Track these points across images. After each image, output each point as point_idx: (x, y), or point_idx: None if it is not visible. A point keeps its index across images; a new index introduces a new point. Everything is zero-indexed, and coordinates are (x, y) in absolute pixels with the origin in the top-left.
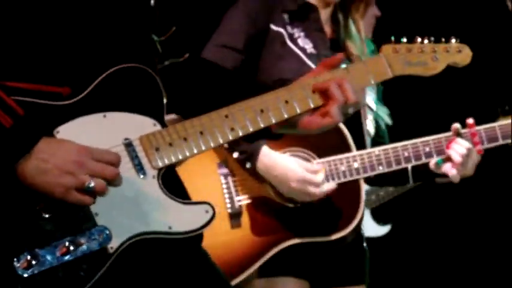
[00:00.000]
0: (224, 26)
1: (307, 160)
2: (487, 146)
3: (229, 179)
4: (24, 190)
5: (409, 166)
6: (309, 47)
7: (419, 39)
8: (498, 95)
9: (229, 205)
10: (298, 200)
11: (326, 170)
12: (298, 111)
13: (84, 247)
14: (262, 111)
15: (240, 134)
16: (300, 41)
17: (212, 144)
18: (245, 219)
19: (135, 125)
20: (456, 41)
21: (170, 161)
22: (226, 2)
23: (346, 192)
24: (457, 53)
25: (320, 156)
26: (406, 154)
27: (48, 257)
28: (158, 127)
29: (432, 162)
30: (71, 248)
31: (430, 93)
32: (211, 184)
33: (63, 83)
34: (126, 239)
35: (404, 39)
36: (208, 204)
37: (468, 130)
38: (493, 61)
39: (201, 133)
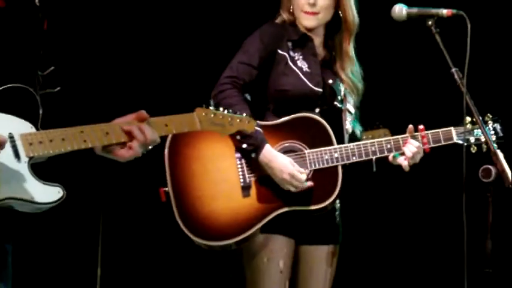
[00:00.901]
0: (244, 49)
1: (301, 150)
2: (432, 145)
3: (243, 161)
4: None
5: (374, 157)
6: (305, 67)
7: (221, 109)
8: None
9: (241, 180)
10: (284, 188)
11: (309, 171)
12: (114, 141)
13: None
14: (107, 133)
15: (89, 145)
16: (299, 62)
17: (69, 148)
18: (253, 191)
19: (18, 126)
20: (247, 116)
21: (38, 153)
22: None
23: (328, 175)
24: (246, 123)
25: (310, 147)
26: (373, 149)
27: None
28: (34, 130)
29: (391, 155)
30: None
31: (395, 106)
32: (229, 164)
33: None
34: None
35: (211, 107)
36: (61, 187)
37: (419, 133)
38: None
39: (63, 140)
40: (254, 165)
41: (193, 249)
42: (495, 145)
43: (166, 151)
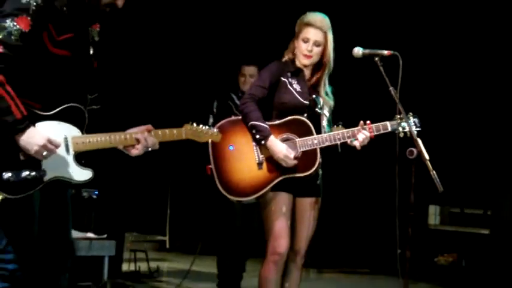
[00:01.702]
0: (261, 75)
1: (293, 139)
2: (375, 133)
3: (257, 147)
4: (17, 146)
5: (339, 142)
6: (298, 88)
7: (201, 126)
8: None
9: (257, 159)
10: (280, 164)
11: (299, 152)
12: (129, 144)
13: (35, 174)
14: (125, 138)
15: (114, 146)
16: (294, 85)
17: (101, 147)
18: (264, 165)
19: (71, 130)
20: (216, 130)
21: (81, 149)
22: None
23: (311, 154)
24: (215, 135)
25: (299, 137)
26: (338, 136)
27: (22, 174)
28: (80, 134)
29: (349, 140)
30: (32, 173)
31: (355, 111)
32: (249, 149)
33: (38, 102)
34: (52, 177)
35: (195, 124)
36: (91, 171)
37: (367, 126)
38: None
39: (97, 141)
40: (264, 149)
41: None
42: (415, 132)
43: (209, 145)
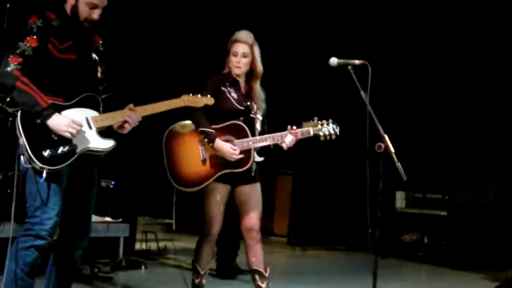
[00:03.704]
0: (205, 88)
1: (232, 140)
2: (300, 137)
3: (202, 147)
4: (48, 128)
5: (272, 144)
6: (235, 96)
7: (197, 94)
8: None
9: (201, 156)
10: (228, 159)
11: (240, 150)
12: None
13: (68, 148)
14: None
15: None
16: (232, 94)
17: (112, 123)
18: (207, 162)
19: (91, 113)
20: (210, 97)
21: (101, 125)
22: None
23: (246, 152)
24: (209, 99)
25: (237, 138)
26: (270, 140)
27: (58, 150)
28: (97, 114)
29: (278, 143)
30: (66, 147)
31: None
32: (195, 149)
33: (61, 96)
34: (82, 149)
35: (191, 94)
36: (113, 140)
37: (293, 131)
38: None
39: (112, 118)
40: (208, 149)
41: None
42: (334, 137)
43: (163, 144)
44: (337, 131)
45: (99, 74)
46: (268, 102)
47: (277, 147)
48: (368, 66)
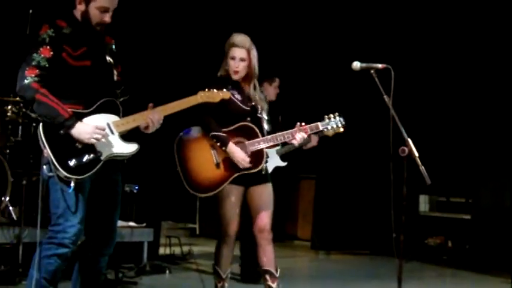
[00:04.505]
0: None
1: (243, 142)
2: (310, 133)
3: (214, 151)
4: (72, 137)
5: (281, 142)
6: (239, 97)
7: (213, 89)
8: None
9: (214, 160)
10: (238, 164)
11: (249, 153)
12: (144, 122)
13: (93, 156)
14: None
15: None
16: (236, 96)
17: (134, 126)
18: (221, 166)
19: (111, 118)
20: (226, 91)
21: (123, 129)
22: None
23: (258, 153)
24: (226, 94)
25: (248, 140)
26: (280, 137)
27: (84, 159)
28: (118, 118)
29: (288, 140)
30: (91, 155)
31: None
32: (208, 154)
33: (80, 104)
34: (107, 155)
35: (207, 89)
36: (137, 144)
37: (303, 127)
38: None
39: (133, 121)
40: (220, 153)
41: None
42: (341, 130)
43: (175, 152)
44: (343, 123)
45: (115, 77)
46: (292, 106)
47: (301, 150)
48: (391, 70)
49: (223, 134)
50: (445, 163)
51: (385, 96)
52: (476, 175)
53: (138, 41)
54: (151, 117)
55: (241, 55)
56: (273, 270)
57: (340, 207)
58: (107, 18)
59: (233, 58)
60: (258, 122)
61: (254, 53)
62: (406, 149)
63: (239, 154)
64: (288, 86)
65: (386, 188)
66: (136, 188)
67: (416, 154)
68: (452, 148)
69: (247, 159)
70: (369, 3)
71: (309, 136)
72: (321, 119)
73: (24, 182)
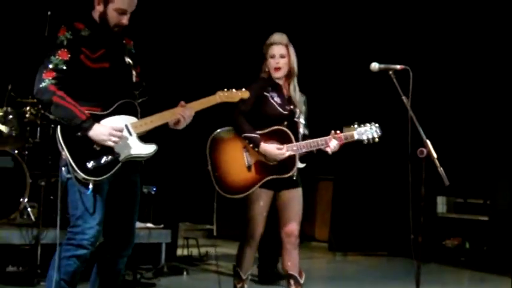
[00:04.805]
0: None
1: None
2: (344, 142)
3: (246, 153)
4: (90, 139)
5: (314, 149)
6: (278, 100)
7: (234, 90)
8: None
9: (246, 162)
10: (272, 162)
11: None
12: (174, 119)
13: (111, 157)
14: (172, 115)
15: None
16: (275, 98)
17: (154, 125)
18: (252, 169)
19: (129, 119)
20: (244, 90)
21: (141, 130)
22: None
23: (290, 158)
24: (244, 92)
25: (281, 144)
26: (314, 144)
27: (102, 161)
28: (136, 120)
29: (323, 147)
30: (109, 157)
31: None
32: (240, 155)
33: (98, 106)
34: (125, 156)
35: (226, 89)
36: (155, 145)
37: (337, 135)
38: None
39: (151, 122)
40: (253, 155)
41: None
42: (377, 140)
43: (207, 151)
44: (380, 133)
45: (134, 78)
46: (310, 107)
47: (319, 152)
48: (409, 71)
49: (256, 135)
50: (462, 164)
51: (403, 97)
52: (493, 176)
53: (157, 42)
54: (182, 113)
55: (281, 51)
56: (297, 275)
57: (357, 208)
58: (125, 20)
59: (273, 56)
60: (294, 126)
61: (292, 50)
62: (425, 150)
63: (272, 149)
64: (306, 88)
65: (404, 189)
66: (154, 189)
67: (435, 155)
68: (469, 149)
69: (284, 150)
70: (387, 4)
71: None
72: (353, 125)
73: (42, 183)
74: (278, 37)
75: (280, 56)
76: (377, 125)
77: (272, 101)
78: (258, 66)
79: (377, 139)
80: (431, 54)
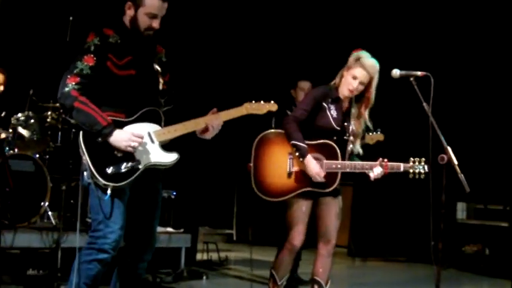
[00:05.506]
0: (306, 99)
1: (321, 160)
2: (389, 171)
3: (291, 159)
4: (111, 145)
5: (357, 171)
6: (334, 114)
7: (262, 101)
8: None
9: (288, 169)
10: (312, 178)
11: (324, 172)
12: (200, 127)
13: (132, 164)
14: (197, 124)
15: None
16: (332, 111)
17: (178, 134)
18: (293, 176)
19: (153, 127)
20: (272, 102)
21: (164, 139)
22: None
23: (333, 174)
24: (272, 105)
25: (326, 158)
26: (358, 167)
27: (122, 167)
28: (159, 128)
29: (367, 172)
30: (129, 164)
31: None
32: (284, 160)
33: (122, 113)
34: (146, 164)
35: (253, 101)
36: (177, 153)
37: (384, 163)
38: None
39: (175, 130)
40: (296, 163)
41: None
42: (423, 176)
43: (253, 148)
44: (427, 170)
45: (160, 86)
46: None
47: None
48: (430, 78)
49: (304, 145)
50: (482, 170)
51: (424, 104)
52: None
53: (188, 53)
54: (211, 122)
55: (364, 80)
56: (323, 283)
57: (377, 214)
58: (155, 24)
59: (355, 78)
60: (344, 143)
61: (376, 80)
62: (446, 157)
63: (315, 167)
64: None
65: (424, 195)
66: (174, 193)
67: (456, 162)
68: (490, 155)
69: (322, 174)
70: (409, 11)
71: None
72: (406, 161)
73: (63, 187)
74: (370, 65)
75: (361, 82)
76: (427, 162)
77: (328, 112)
78: (288, 77)
79: (423, 176)
80: (452, 60)
